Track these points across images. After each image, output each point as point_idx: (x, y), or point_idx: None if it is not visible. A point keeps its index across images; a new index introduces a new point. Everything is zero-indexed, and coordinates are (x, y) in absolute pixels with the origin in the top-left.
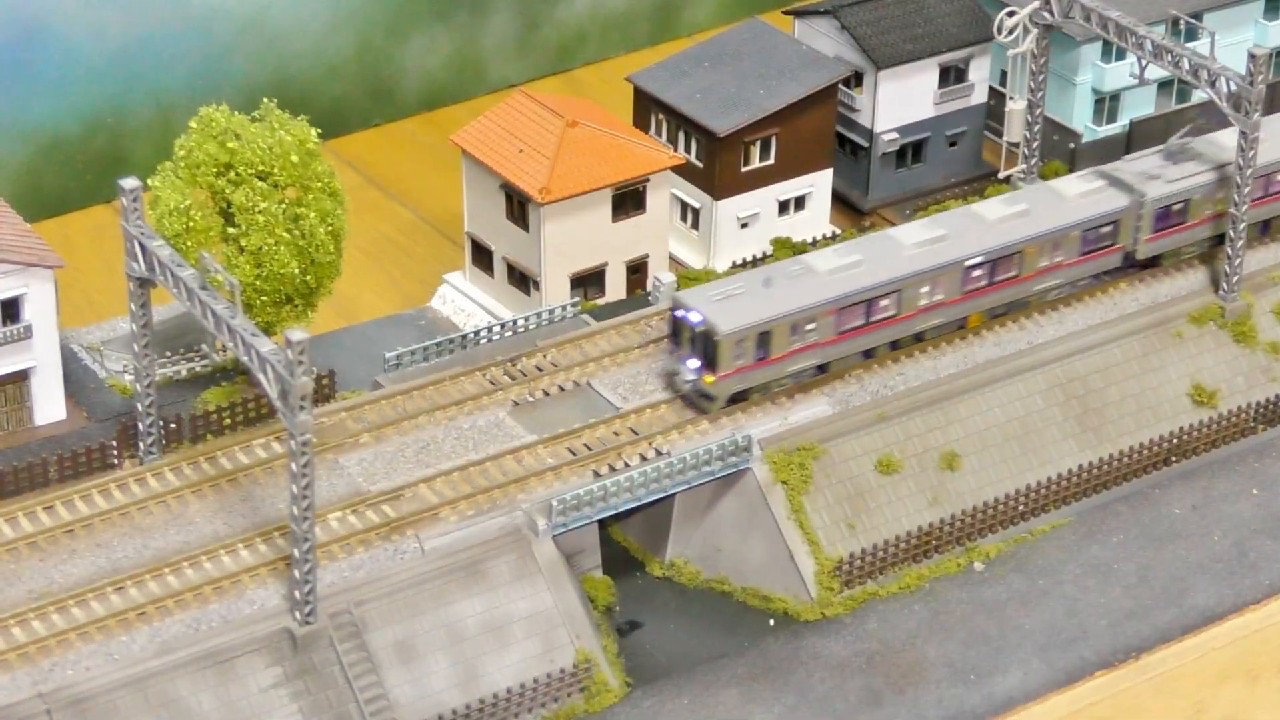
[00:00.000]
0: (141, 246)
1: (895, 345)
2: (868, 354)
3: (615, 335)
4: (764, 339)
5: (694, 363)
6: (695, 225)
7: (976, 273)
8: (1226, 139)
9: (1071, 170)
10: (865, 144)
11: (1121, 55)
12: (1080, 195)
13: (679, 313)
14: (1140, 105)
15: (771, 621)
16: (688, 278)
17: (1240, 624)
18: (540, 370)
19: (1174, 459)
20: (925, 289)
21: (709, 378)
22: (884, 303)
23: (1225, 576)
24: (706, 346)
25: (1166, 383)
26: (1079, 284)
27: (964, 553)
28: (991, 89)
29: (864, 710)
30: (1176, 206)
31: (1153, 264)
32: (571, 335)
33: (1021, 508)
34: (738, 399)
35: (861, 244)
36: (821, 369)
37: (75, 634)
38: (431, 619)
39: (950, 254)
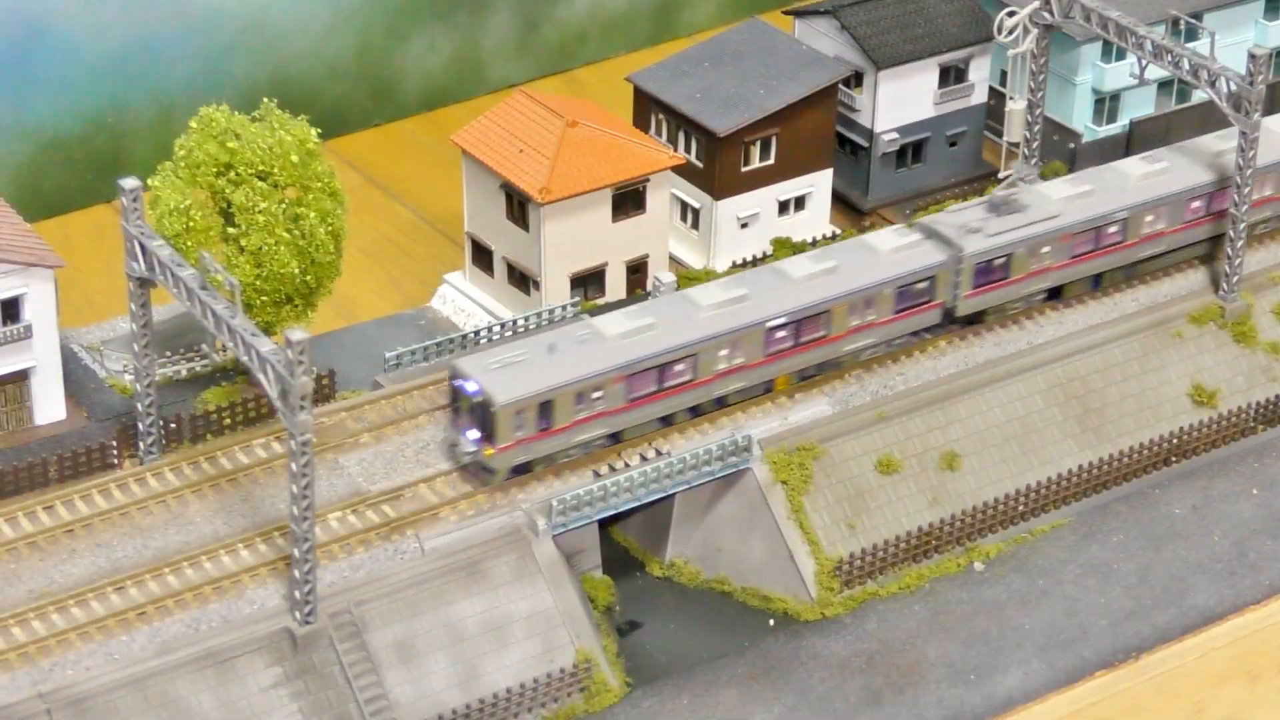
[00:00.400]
0: (141, 246)
1: (696, 411)
2: (666, 420)
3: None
4: (546, 409)
5: (473, 434)
6: (695, 225)
7: (780, 334)
8: (1053, 190)
9: (1072, 170)
10: (865, 144)
11: (1121, 55)
12: (895, 250)
13: (456, 381)
14: (1140, 105)
15: (771, 621)
16: (688, 278)
17: (1240, 624)
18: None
19: (1174, 459)
20: (724, 352)
21: (488, 450)
22: (678, 368)
23: (1225, 576)
24: (484, 417)
25: (1166, 383)
26: (895, 343)
27: (964, 553)
28: (991, 89)
29: (864, 710)
30: (998, 261)
31: (975, 321)
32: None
33: (1021, 508)
34: (522, 470)
35: (656, 305)
36: (614, 438)
37: (75, 634)
38: (431, 619)
39: (751, 315)
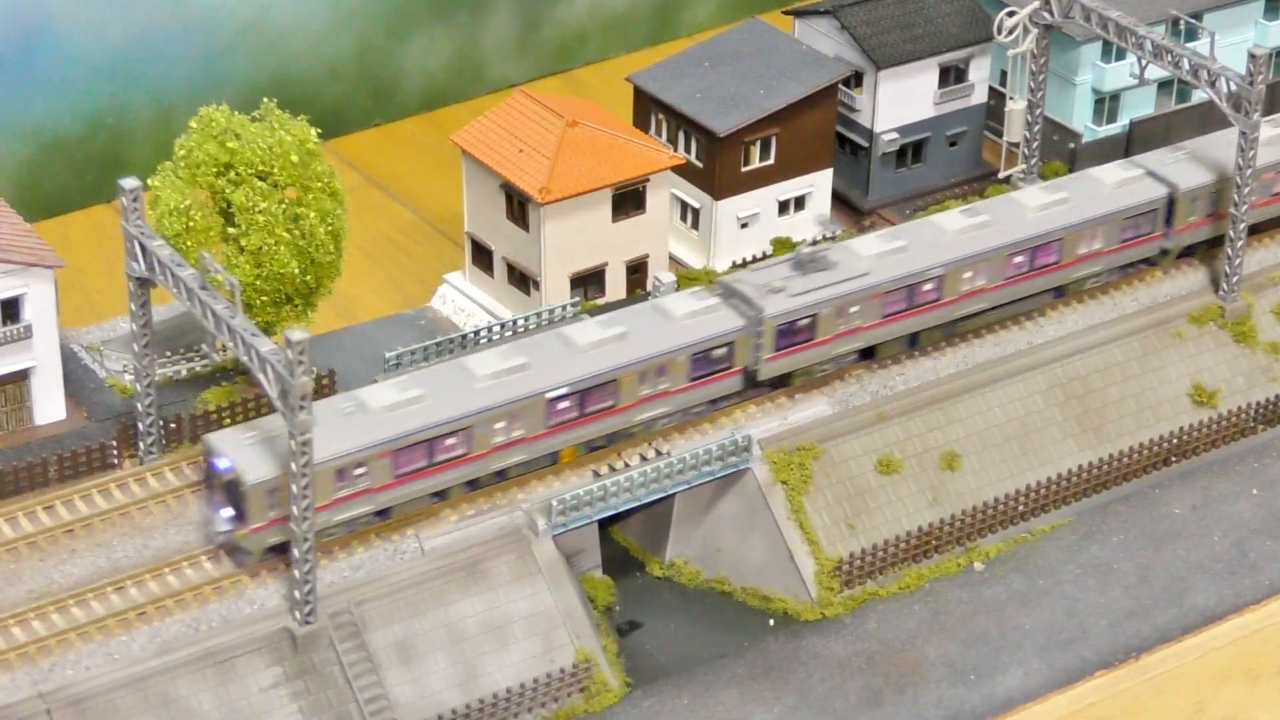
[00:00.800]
0: (141, 246)
1: (473, 485)
2: (440, 495)
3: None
4: None
5: (227, 512)
6: (695, 225)
7: (563, 405)
8: (863, 246)
9: (1071, 170)
10: (865, 144)
11: (1121, 55)
12: (690, 315)
13: (209, 458)
14: (1140, 105)
15: (771, 621)
16: (688, 278)
17: (1240, 624)
18: None
19: (1174, 459)
20: (501, 424)
21: (241, 530)
22: (450, 441)
23: (1225, 576)
24: (235, 496)
25: (1166, 383)
26: (693, 410)
27: (964, 553)
28: (991, 89)
29: (864, 710)
30: (802, 322)
31: (779, 384)
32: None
33: (1021, 508)
34: (281, 550)
35: (429, 376)
36: (382, 514)
37: (75, 634)
38: (431, 619)
39: (531, 385)
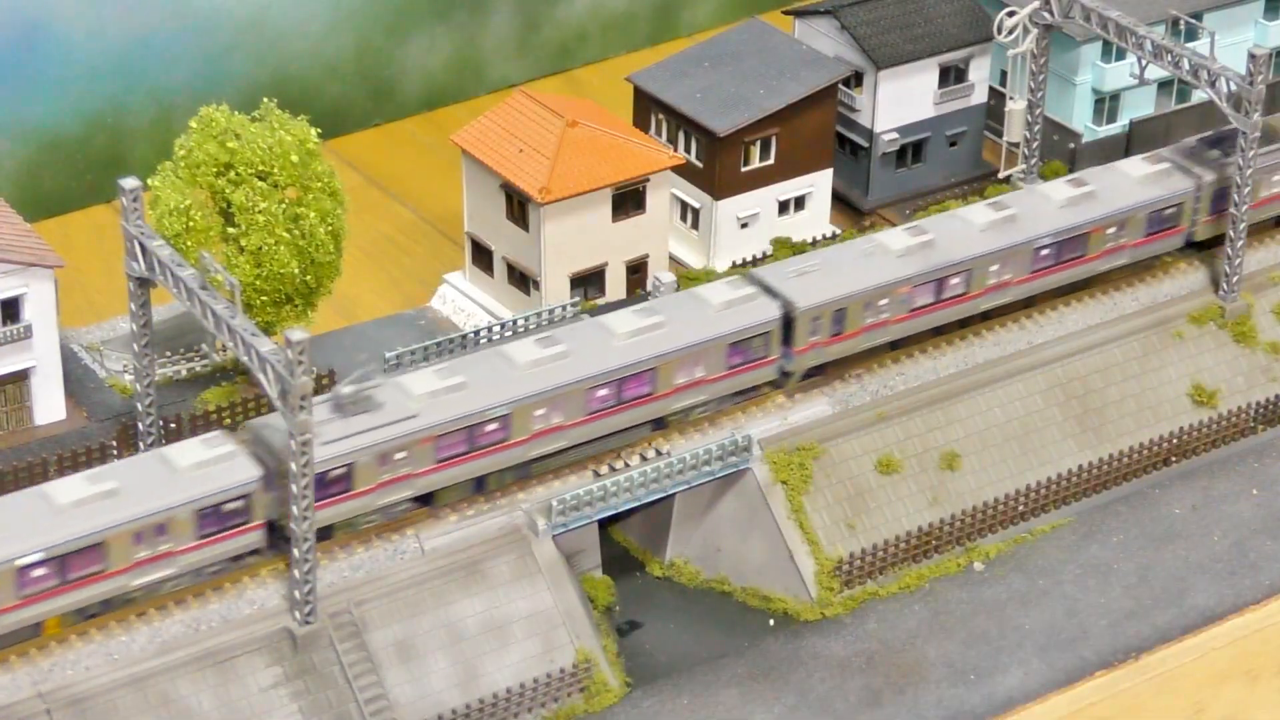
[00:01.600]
0: (141, 246)
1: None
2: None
3: None
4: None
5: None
6: (695, 225)
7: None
8: (414, 383)
9: (1071, 170)
10: (865, 144)
11: (1121, 55)
12: (195, 465)
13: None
14: (1140, 105)
15: (771, 621)
16: (688, 278)
17: (1240, 624)
18: None
19: (1174, 459)
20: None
21: None
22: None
23: (1225, 576)
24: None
25: (1166, 383)
26: (204, 573)
27: (964, 553)
28: (991, 89)
29: (864, 710)
30: (335, 472)
31: (327, 536)
32: None
33: (1021, 508)
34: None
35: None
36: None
37: (75, 634)
38: (431, 619)
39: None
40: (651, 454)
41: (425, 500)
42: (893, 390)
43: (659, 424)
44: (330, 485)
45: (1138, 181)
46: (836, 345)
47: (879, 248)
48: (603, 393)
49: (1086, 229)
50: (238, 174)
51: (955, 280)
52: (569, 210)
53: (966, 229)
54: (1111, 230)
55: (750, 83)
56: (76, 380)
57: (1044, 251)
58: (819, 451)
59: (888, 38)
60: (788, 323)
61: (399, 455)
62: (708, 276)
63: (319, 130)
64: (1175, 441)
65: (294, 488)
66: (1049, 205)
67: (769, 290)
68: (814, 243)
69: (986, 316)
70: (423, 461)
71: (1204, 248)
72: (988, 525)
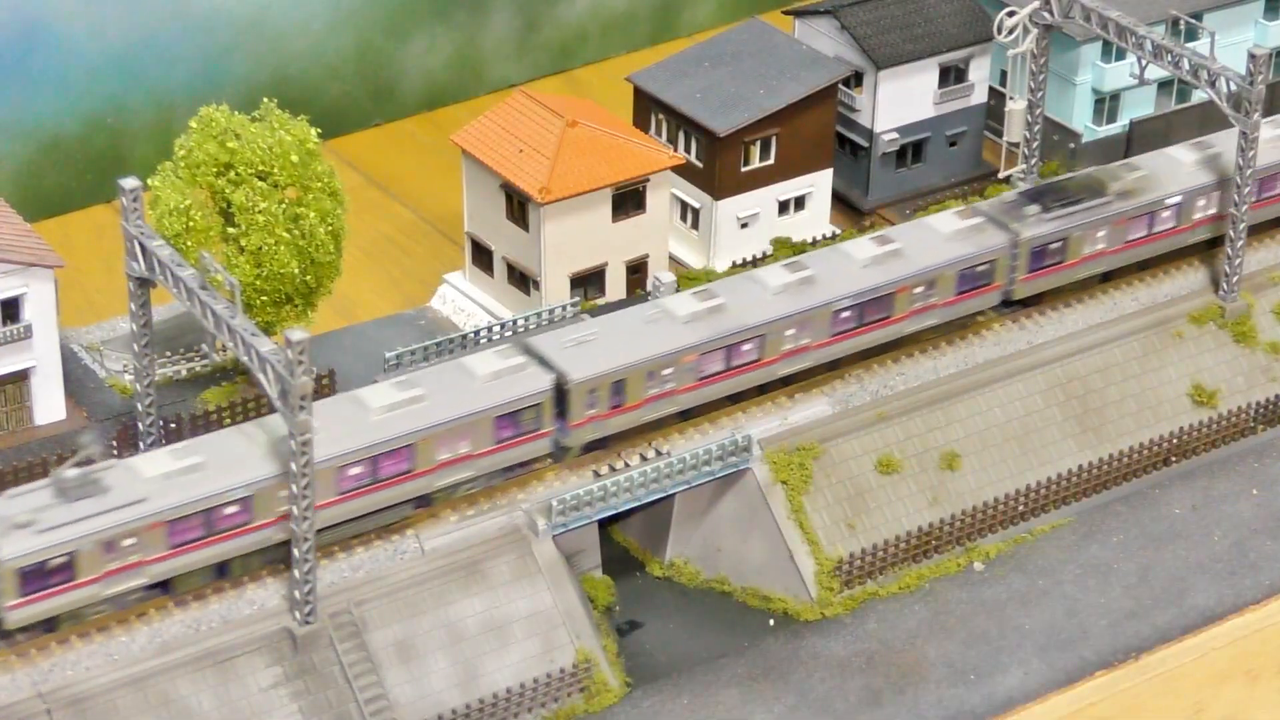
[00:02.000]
0: (141, 246)
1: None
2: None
3: None
4: None
5: None
6: (695, 225)
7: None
8: (147, 465)
9: (1072, 170)
10: (865, 144)
11: (1121, 55)
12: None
13: None
14: (1140, 105)
15: (771, 621)
16: (688, 278)
17: (1240, 624)
18: None
19: (1174, 459)
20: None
21: None
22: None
23: (1225, 576)
24: None
25: (1166, 383)
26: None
27: (964, 553)
28: (991, 89)
29: (864, 710)
30: (56, 562)
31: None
32: None
33: (1021, 508)
34: None
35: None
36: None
37: (75, 634)
38: (431, 619)
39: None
40: (651, 454)
41: (163, 588)
42: (893, 390)
43: (423, 502)
44: (51, 575)
45: (946, 238)
46: (617, 418)
47: (664, 314)
48: (356, 470)
49: (891, 289)
50: (238, 174)
51: (747, 346)
52: (569, 210)
53: (760, 292)
54: (920, 289)
55: (750, 83)
56: (76, 380)
57: (844, 314)
58: (819, 451)
59: (888, 38)
60: (561, 395)
61: (127, 541)
62: (708, 276)
63: (319, 130)
64: (1175, 441)
65: (294, 488)
66: (850, 265)
67: (541, 360)
68: (814, 242)
69: (788, 382)
70: (153, 549)
71: (1026, 305)
72: (988, 525)
